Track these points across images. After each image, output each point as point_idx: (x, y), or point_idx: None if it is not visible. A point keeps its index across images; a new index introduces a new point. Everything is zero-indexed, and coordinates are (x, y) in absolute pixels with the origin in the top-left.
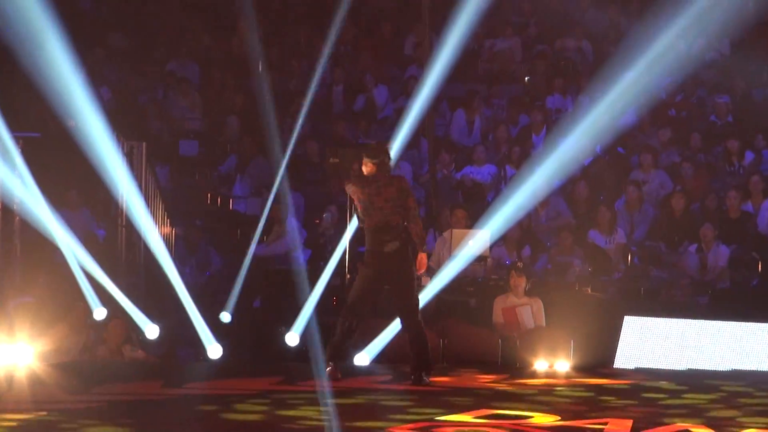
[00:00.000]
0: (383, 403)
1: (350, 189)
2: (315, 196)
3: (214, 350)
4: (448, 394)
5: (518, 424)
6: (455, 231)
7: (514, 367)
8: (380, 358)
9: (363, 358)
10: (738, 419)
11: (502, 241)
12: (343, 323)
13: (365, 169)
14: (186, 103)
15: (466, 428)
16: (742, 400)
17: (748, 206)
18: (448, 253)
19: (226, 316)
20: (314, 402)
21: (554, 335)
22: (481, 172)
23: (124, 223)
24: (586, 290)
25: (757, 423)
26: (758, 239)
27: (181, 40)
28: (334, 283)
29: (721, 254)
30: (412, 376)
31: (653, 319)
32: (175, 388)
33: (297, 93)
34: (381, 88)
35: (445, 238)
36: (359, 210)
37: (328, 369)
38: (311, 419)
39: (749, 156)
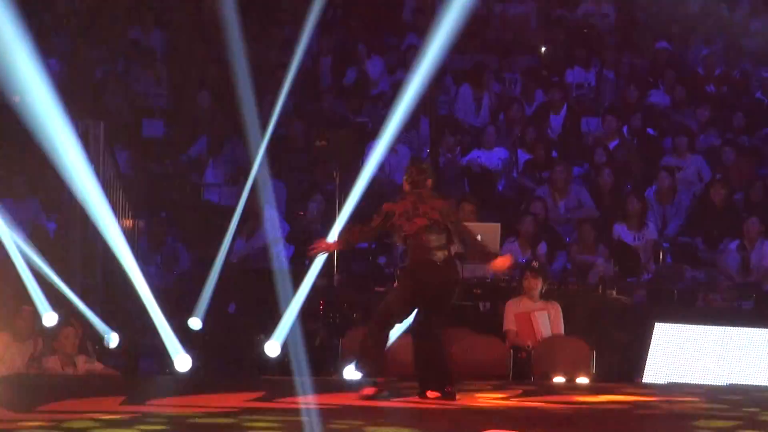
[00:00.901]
0: (377, 421)
1: (388, 207)
2: (299, 185)
3: (182, 362)
4: (451, 414)
5: None
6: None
7: (527, 381)
8: None
9: (353, 372)
10: None
11: (514, 237)
12: (376, 335)
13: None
14: (150, 77)
15: None
16: None
17: None
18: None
19: (196, 323)
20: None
21: (574, 345)
22: (491, 157)
23: (78, 215)
24: (611, 293)
25: None
26: None
27: (144, 4)
28: (320, 285)
29: (765, 252)
30: (445, 390)
31: (688, 326)
32: (136, 404)
33: (278, 65)
34: (375, 60)
35: None
36: (397, 224)
37: (371, 388)
38: None
39: None
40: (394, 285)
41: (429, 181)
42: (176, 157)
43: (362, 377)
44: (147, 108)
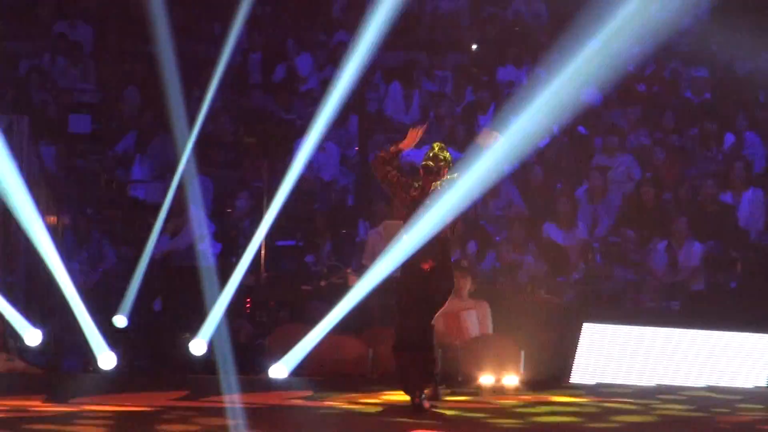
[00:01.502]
0: (303, 423)
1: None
2: (227, 181)
3: (107, 360)
4: (377, 414)
5: None
6: (389, 223)
7: (455, 381)
8: (300, 369)
9: (280, 370)
10: None
11: None
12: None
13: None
14: (77, 72)
15: None
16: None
17: (728, 197)
18: (382, 248)
19: (121, 320)
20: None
21: (502, 345)
22: (420, 155)
23: (1, 211)
24: (540, 293)
25: None
26: (738, 235)
27: None
28: (247, 283)
29: (693, 252)
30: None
31: (617, 326)
32: (59, 404)
33: (207, 60)
34: (304, 56)
35: (378, 231)
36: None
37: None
38: None
39: (729, 139)
40: None
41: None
42: (103, 153)
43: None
44: (74, 103)
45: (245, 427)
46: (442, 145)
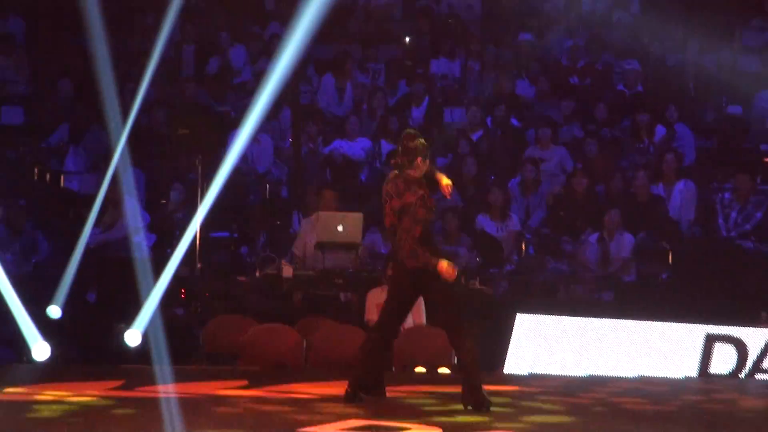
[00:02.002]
0: (239, 412)
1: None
2: (161, 173)
3: (41, 350)
4: (312, 401)
5: None
6: (323, 214)
7: (389, 371)
8: (234, 360)
9: (214, 360)
10: None
11: (376, 227)
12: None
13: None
14: (9, 64)
15: None
16: (649, 410)
17: (659, 189)
18: (314, 239)
19: (55, 311)
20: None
21: (436, 336)
22: (354, 147)
23: None
24: (474, 284)
25: None
26: (669, 227)
27: None
28: (182, 274)
29: (624, 243)
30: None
31: (549, 317)
32: None
33: (140, 53)
34: (238, 48)
35: (311, 222)
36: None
37: None
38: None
39: (660, 131)
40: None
41: (417, 161)
42: (36, 144)
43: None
44: (6, 95)
45: (179, 417)
46: (410, 132)
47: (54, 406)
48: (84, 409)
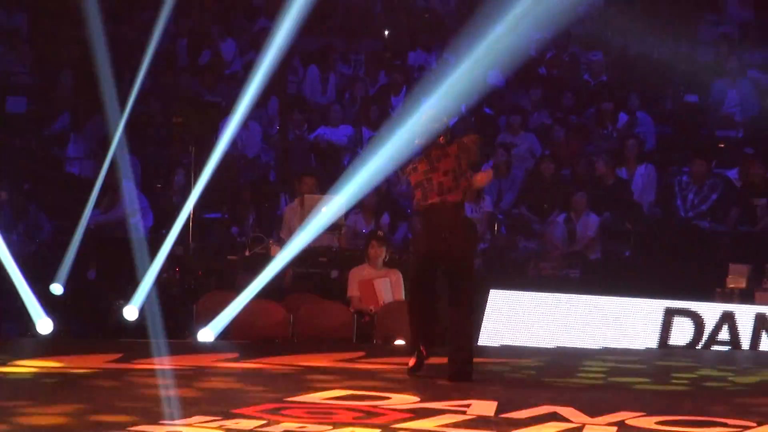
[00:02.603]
0: (230, 382)
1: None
2: (157, 159)
3: (44, 325)
4: (298, 373)
5: (374, 406)
6: (308, 197)
7: (370, 344)
8: (226, 334)
9: (207, 334)
10: (610, 401)
11: (358, 208)
12: None
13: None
14: (13, 56)
15: (317, 410)
16: (613, 380)
17: (622, 172)
18: (300, 221)
19: (57, 288)
20: (154, 380)
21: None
22: (337, 134)
23: None
24: None
25: (630, 405)
26: (632, 208)
27: None
28: (176, 253)
29: (590, 223)
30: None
31: (520, 293)
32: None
33: (137, 46)
34: (228, 42)
35: (294, 207)
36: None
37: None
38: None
39: (623, 118)
40: None
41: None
42: (39, 132)
43: None
44: (10, 85)
45: (175, 386)
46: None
47: (57, 378)
48: (84, 380)
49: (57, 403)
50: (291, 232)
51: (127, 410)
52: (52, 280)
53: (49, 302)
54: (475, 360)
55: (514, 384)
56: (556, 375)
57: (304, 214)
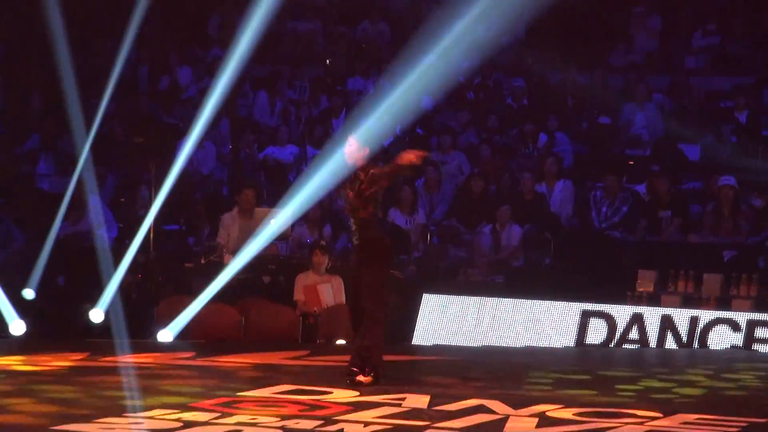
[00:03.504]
0: (187, 379)
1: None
2: (120, 175)
3: (17, 327)
4: (249, 370)
5: (318, 400)
6: (259, 210)
7: (314, 343)
8: (183, 334)
9: (166, 335)
10: (532, 394)
11: (303, 220)
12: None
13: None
14: None
15: (266, 403)
16: (534, 375)
17: (542, 187)
18: (239, 229)
19: (29, 293)
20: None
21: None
22: (284, 152)
23: None
24: None
25: (550, 398)
26: (551, 219)
27: None
28: (138, 260)
29: (514, 234)
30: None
31: (450, 297)
32: None
33: (102, 72)
34: (185, 69)
35: (232, 214)
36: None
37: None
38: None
39: (543, 138)
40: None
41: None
42: (11, 151)
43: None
44: None
45: (137, 382)
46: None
47: (28, 374)
48: (53, 376)
49: (28, 397)
50: (228, 238)
51: (94, 404)
52: (24, 285)
53: (21, 306)
54: (410, 358)
55: (446, 379)
56: (483, 371)
57: (252, 225)
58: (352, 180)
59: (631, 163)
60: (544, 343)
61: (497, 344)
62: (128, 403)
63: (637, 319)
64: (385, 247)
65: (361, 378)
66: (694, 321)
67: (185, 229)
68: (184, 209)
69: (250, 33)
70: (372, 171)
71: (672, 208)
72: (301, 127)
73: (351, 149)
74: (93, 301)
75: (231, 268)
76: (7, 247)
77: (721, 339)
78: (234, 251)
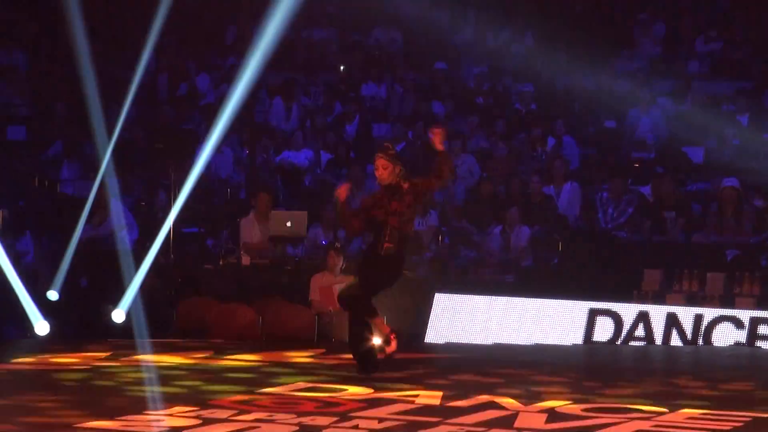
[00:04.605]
0: (206, 377)
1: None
2: (142, 180)
3: (42, 327)
4: (267, 368)
5: (333, 397)
6: (274, 213)
7: (329, 342)
8: (202, 334)
9: (185, 335)
10: (541, 390)
11: (318, 222)
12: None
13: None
14: (13, 90)
15: (283, 401)
16: (543, 371)
17: (550, 189)
18: (258, 232)
19: (53, 295)
20: (140, 375)
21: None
22: (299, 157)
23: None
24: None
25: (559, 395)
26: (558, 220)
27: (10, 30)
28: (159, 262)
29: (523, 235)
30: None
31: (462, 296)
32: (2, 363)
33: (123, 80)
34: (203, 76)
35: (250, 220)
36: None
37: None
38: (138, 391)
39: (551, 142)
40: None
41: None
42: (36, 157)
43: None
44: (11, 116)
45: (158, 379)
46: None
47: (54, 373)
48: (77, 374)
49: (55, 394)
50: (248, 243)
51: (116, 401)
52: (49, 287)
53: (46, 307)
54: (424, 355)
55: (457, 376)
56: (493, 368)
57: (268, 227)
58: (392, 191)
59: (637, 165)
60: (552, 341)
61: (507, 342)
62: (150, 401)
63: (643, 317)
64: (402, 266)
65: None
66: (698, 319)
67: (204, 232)
68: (203, 213)
69: (266, 41)
70: (415, 182)
71: (676, 209)
72: (316, 132)
73: (387, 171)
74: (115, 302)
75: (249, 269)
76: (33, 250)
77: (725, 336)
78: (256, 253)
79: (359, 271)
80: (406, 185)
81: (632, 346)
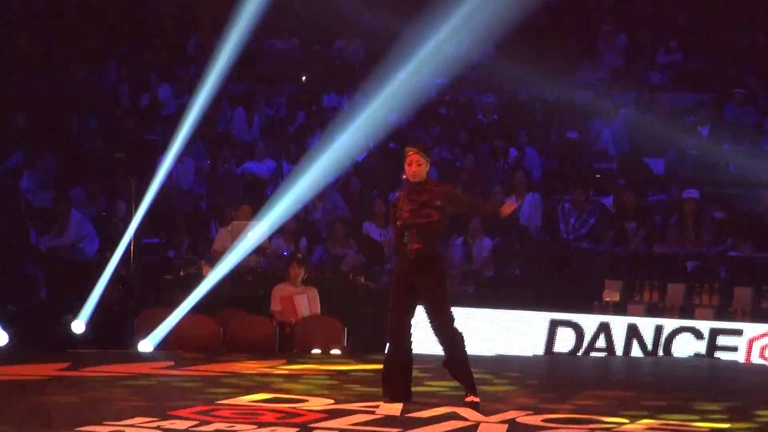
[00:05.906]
0: (166, 386)
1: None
2: (102, 190)
3: (1, 337)
4: (227, 378)
5: (294, 408)
6: (236, 223)
7: (291, 353)
8: (163, 345)
9: (147, 345)
10: (502, 401)
11: (280, 233)
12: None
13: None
14: None
15: (244, 411)
16: (504, 382)
17: (512, 200)
18: (230, 244)
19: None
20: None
21: (329, 323)
22: (261, 167)
23: None
24: (360, 280)
25: (520, 405)
26: (520, 231)
27: None
28: (119, 273)
29: (484, 246)
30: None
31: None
32: None
33: (85, 91)
34: (165, 87)
35: (227, 230)
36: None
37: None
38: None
39: (513, 153)
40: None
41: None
42: None
43: None
44: None
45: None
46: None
47: (12, 384)
48: (36, 385)
49: (9, 406)
50: (222, 251)
51: (75, 412)
52: (7, 298)
53: (4, 318)
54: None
55: (418, 388)
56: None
57: (234, 237)
58: (417, 191)
59: (598, 176)
60: (514, 352)
61: (468, 353)
62: (109, 410)
63: (604, 328)
64: (446, 264)
65: (472, 398)
66: (658, 329)
67: (165, 242)
68: (163, 223)
69: (228, 51)
70: (455, 193)
71: (637, 220)
72: (278, 143)
73: (421, 168)
74: (75, 312)
75: (209, 281)
76: None
77: (685, 347)
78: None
79: (432, 293)
80: (437, 188)
81: (593, 357)
